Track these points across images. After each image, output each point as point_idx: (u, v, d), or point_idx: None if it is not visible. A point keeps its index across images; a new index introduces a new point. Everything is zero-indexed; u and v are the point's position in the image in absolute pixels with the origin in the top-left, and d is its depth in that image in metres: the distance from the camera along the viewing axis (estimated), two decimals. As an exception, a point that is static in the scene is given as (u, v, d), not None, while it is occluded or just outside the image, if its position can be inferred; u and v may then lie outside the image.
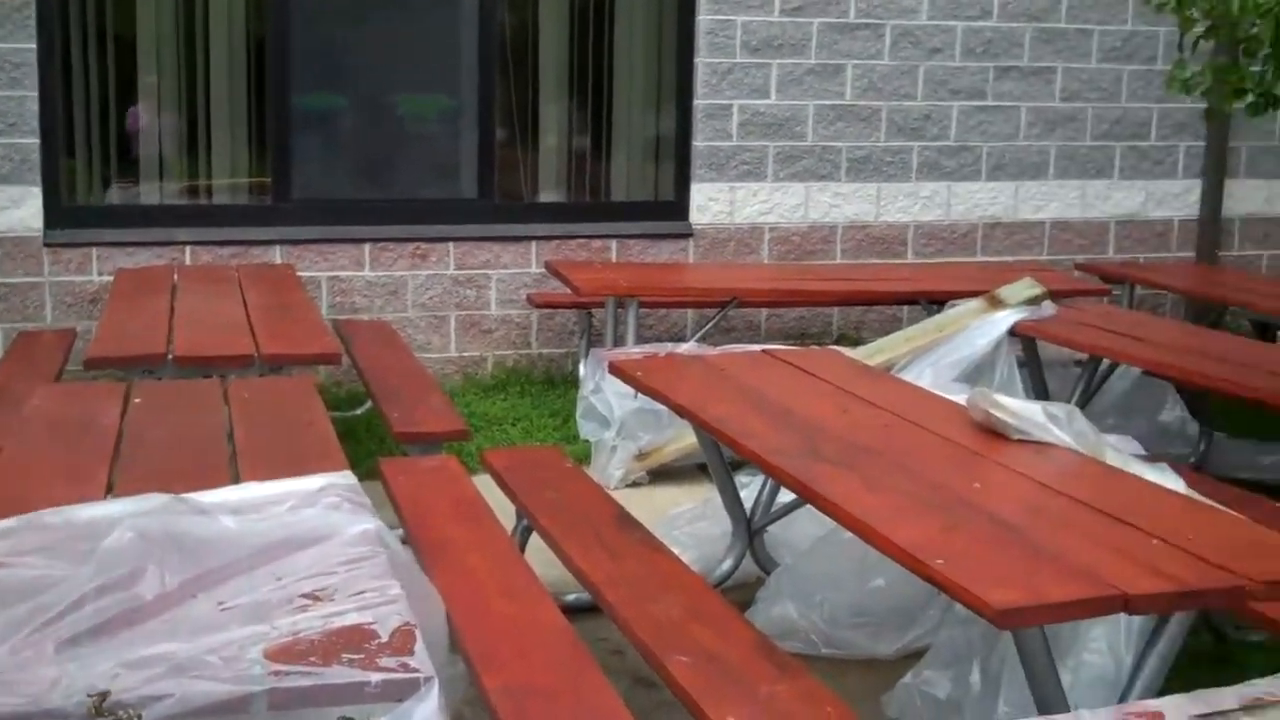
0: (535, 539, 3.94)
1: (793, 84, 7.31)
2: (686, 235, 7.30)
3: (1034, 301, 5.56)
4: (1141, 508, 3.00)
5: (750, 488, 4.56)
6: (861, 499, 3.07)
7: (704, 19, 7.16)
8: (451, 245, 6.95)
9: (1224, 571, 2.61)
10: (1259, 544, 2.82)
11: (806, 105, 7.36)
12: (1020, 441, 3.49)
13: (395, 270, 6.90)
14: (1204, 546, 2.72)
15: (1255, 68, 4.11)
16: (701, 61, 7.19)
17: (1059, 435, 3.48)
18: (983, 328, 5.45)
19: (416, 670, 2.10)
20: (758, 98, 7.28)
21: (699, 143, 7.25)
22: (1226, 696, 2.14)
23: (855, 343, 6.58)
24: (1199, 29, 4.11)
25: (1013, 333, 5.48)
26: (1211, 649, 4.06)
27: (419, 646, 2.16)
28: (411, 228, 6.92)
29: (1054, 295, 5.84)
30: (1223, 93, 4.19)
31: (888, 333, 6.03)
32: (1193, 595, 2.56)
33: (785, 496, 4.18)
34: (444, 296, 6.98)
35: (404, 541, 3.69)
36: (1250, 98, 4.09)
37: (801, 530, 4.35)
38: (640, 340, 6.29)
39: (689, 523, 4.60)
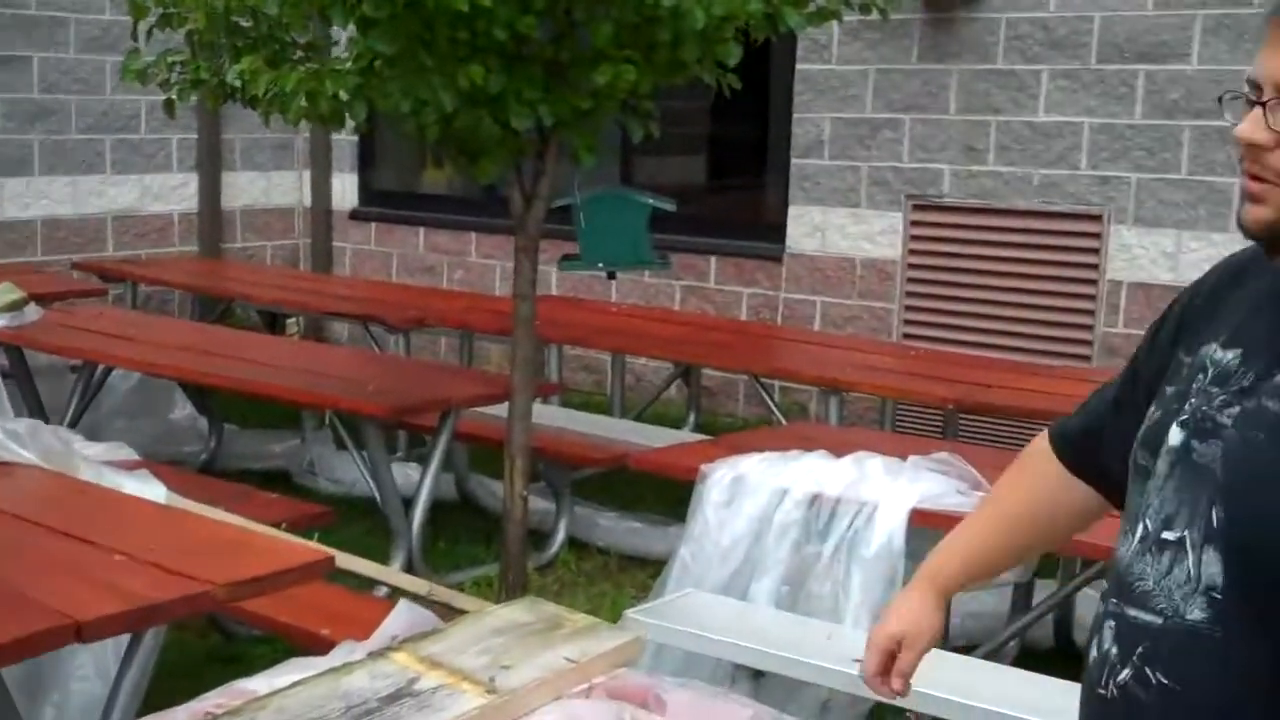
0: None
1: None
2: None
3: (15, 307, 5.16)
4: (109, 523, 2.82)
5: None
6: None
7: None
8: None
9: (188, 579, 2.48)
10: (230, 544, 2.76)
11: None
12: (-17, 465, 3.14)
13: None
14: (170, 556, 2.58)
15: (220, 58, 4.04)
16: None
17: (22, 453, 3.18)
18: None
19: None
20: None
21: None
22: (179, 714, 2.00)
23: None
24: (152, 19, 3.96)
25: (-5, 343, 5.05)
26: (223, 648, 4.00)
27: None
28: None
29: (45, 298, 5.57)
30: (182, 84, 4.07)
31: None
32: (153, 610, 2.40)
33: None
34: None
35: None
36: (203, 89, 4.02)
37: None
38: None
39: None
